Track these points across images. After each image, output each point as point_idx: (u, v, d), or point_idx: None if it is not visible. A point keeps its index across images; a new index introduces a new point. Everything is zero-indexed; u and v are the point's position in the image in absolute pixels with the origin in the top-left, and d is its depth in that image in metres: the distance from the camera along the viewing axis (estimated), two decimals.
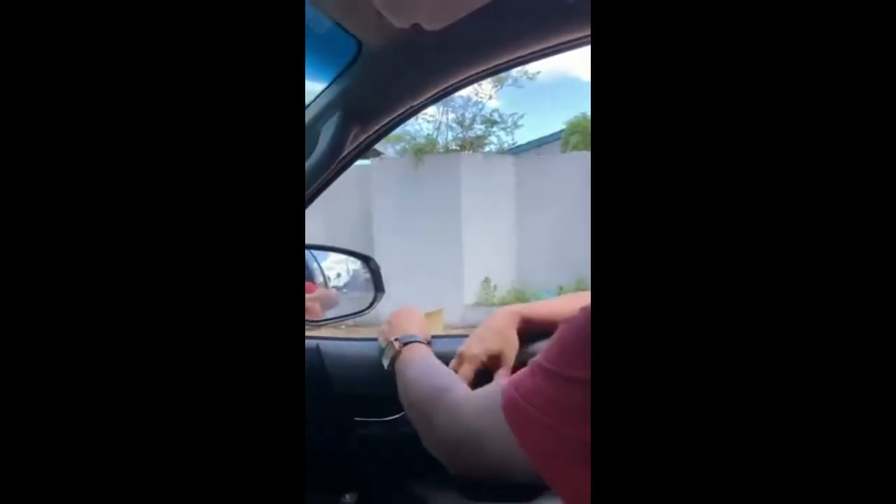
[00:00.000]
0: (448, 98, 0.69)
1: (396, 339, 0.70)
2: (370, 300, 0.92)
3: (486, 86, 6.82)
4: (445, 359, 0.68)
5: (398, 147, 6.61)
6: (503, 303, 5.70)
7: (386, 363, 0.69)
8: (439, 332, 0.80)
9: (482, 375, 0.67)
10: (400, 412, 0.78)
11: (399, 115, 0.71)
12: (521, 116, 7.32)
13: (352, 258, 0.99)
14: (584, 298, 0.54)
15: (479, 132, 7.15)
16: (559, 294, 5.44)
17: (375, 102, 0.69)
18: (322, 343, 0.85)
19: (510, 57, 0.64)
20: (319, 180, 0.70)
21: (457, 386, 0.57)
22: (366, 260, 0.96)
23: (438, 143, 6.86)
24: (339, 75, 0.66)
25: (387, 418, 0.79)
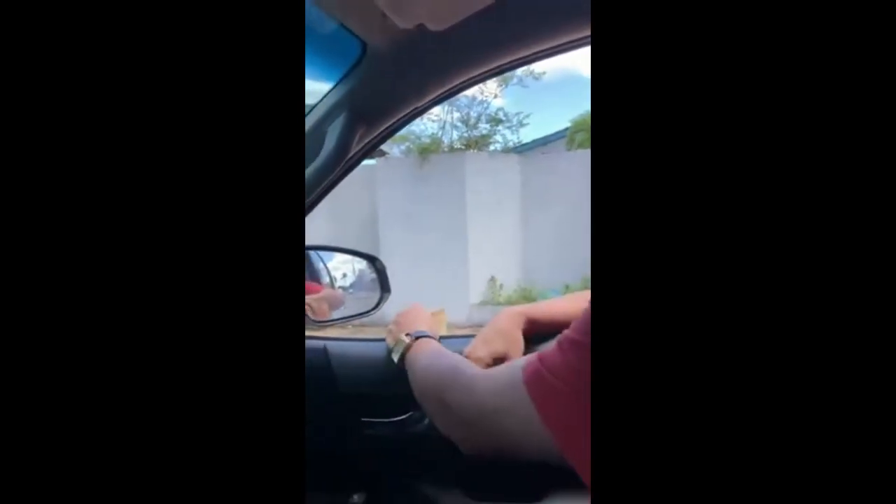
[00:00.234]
0: (453, 97, 0.70)
1: (407, 334, 0.70)
2: (376, 300, 0.93)
3: (491, 85, 6.81)
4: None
5: (403, 147, 6.61)
6: (509, 302, 5.70)
7: (396, 357, 0.69)
8: (443, 331, 0.80)
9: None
10: (407, 413, 0.79)
11: (404, 116, 0.71)
12: (527, 116, 7.31)
13: (357, 258, 1.00)
14: (589, 297, 0.54)
15: (484, 131, 7.15)
16: (565, 293, 5.43)
17: (381, 103, 0.69)
18: (329, 343, 0.85)
19: (515, 57, 0.64)
20: (326, 181, 0.70)
21: (471, 367, 0.56)
22: (372, 260, 0.96)
23: (443, 142, 6.86)
24: (345, 76, 0.67)
25: (394, 419, 0.80)
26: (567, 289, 5.47)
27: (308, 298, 0.88)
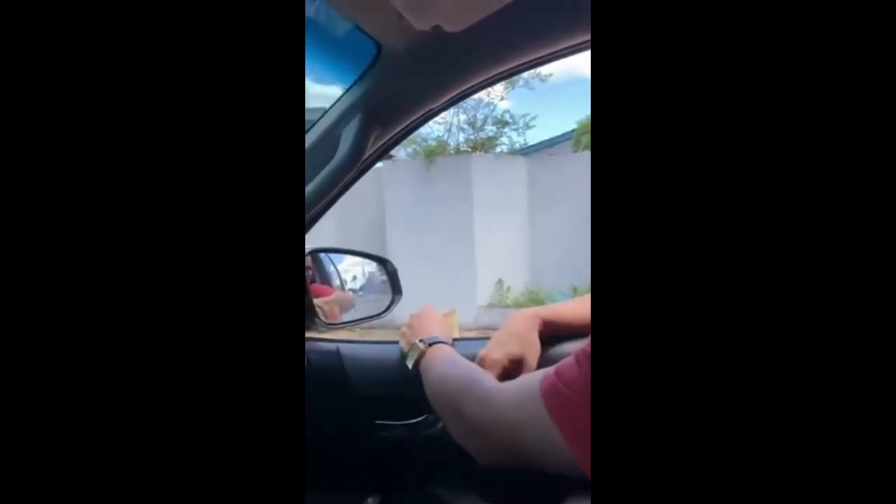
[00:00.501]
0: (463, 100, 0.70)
1: (421, 340, 0.69)
2: (387, 303, 0.92)
3: (498, 87, 6.81)
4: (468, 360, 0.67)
5: (409, 149, 6.63)
6: (517, 304, 5.68)
7: (410, 364, 0.69)
8: (455, 333, 0.80)
9: (505, 380, 0.66)
10: (421, 415, 0.78)
11: (419, 118, 0.71)
12: (534, 118, 7.30)
13: (368, 261, 0.99)
14: None
15: (490, 133, 7.15)
16: (573, 294, 5.42)
17: (396, 105, 0.69)
18: (342, 346, 0.85)
19: (531, 57, 0.64)
20: (342, 183, 0.70)
21: (487, 377, 0.57)
22: (382, 262, 0.96)
23: (449, 144, 6.87)
24: (360, 78, 0.67)
25: (408, 421, 0.79)
26: (575, 291, 5.46)
27: (319, 301, 0.88)
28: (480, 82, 0.68)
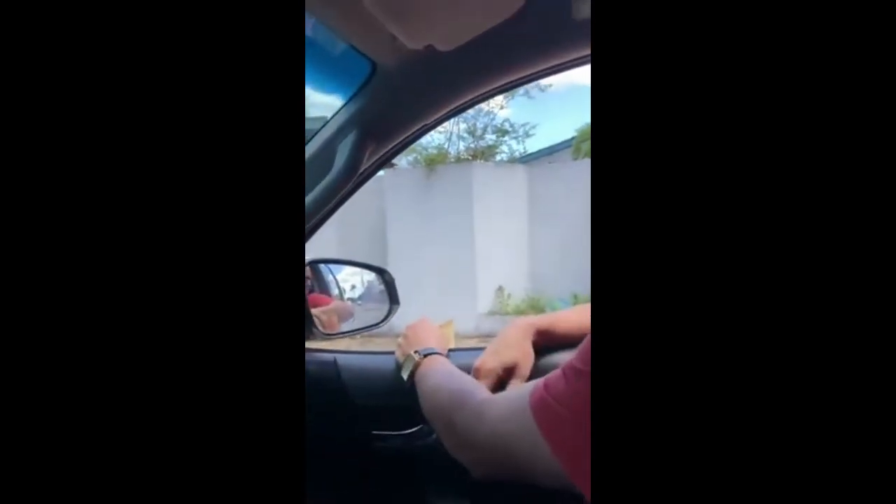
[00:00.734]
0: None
1: (416, 352, 0.70)
2: (385, 312, 0.93)
3: (498, 97, 6.83)
4: (463, 371, 0.68)
5: (410, 158, 6.65)
6: (517, 311, 5.67)
7: (405, 375, 0.70)
8: (451, 344, 0.81)
9: (499, 389, 0.67)
10: (417, 425, 0.79)
11: (413, 133, 0.72)
12: (533, 127, 7.33)
13: (366, 271, 1.00)
14: None
15: (490, 142, 7.17)
16: (574, 301, 5.40)
17: (390, 120, 0.70)
18: (339, 356, 0.85)
19: (521, 75, 0.65)
20: (337, 196, 0.71)
21: (480, 390, 0.57)
22: (380, 272, 0.97)
23: (450, 153, 6.89)
24: (355, 95, 0.68)
25: (404, 432, 0.80)
26: (575, 298, 5.45)
27: (317, 311, 0.89)
28: (474, 98, 0.69)
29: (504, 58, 0.63)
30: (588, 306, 0.81)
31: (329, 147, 0.70)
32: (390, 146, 0.73)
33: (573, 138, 7.87)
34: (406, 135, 0.72)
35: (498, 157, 7.19)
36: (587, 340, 0.44)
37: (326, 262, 0.97)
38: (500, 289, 6.05)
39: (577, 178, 5.91)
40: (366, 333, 0.97)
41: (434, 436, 0.77)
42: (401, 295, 0.94)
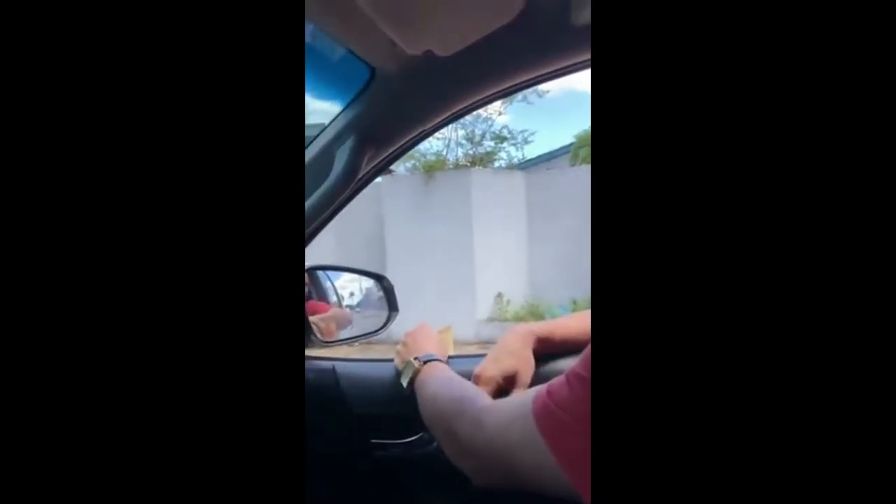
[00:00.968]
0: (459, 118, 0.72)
1: (416, 358, 0.70)
2: (384, 319, 0.93)
3: (496, 103, 6.87)
4: (463, 378, 0.67)
5: (409, 164, 6.67)
6: (516, 317, 5.67)
7: (405, 382, 0.69)
8: (450, 350, 0.80)
9: (499, 397, 0.66)
10: (417, 434, 0.78)
11: (412, 138, 0.72)
12: (532, 134, 7.37)
13: (365, 277, 1.00)
14: None
15: (488, 148, 7.20)
16: (573, 308, 5.40)
17: (389, 126, 0.70)
18: (338, 364, 0.85)
19: (520, 80, 0.65)
20: (336, 203, 0.71)
21: (480, 397, 0.56)
22: (379, 279, 0.97)
23: (448, 159, 6.91)
24: (353, 100, 0.68)
25: (404, 440, 0.79)
26: (575, 304, 5.44)
27: (315, 318, 0.88)
28: (472, 103, 0.69)
29: (503, 63, 0.63)
30: (587, 312, 0.81)
31: (327, 153, 0.70)
32: (388, 152, 0.73)
33: (571, 144, 7.91)
34: (404, 141, 0.72)
35: (496, 164, 7.21)
36: (590, 347, 0.43)
37: (325, 268, 0.96)
38: (499, 295, 6.05)
39: (576, 185, 5.94)
40: (365, 341, 0.96)
41: (434, 444, 0.77)
42: (399, 301, 0.93)
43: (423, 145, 6.70)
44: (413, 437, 0.78)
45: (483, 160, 7.07)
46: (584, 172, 6.31)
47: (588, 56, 0.61)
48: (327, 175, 0.69)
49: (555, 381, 0.46)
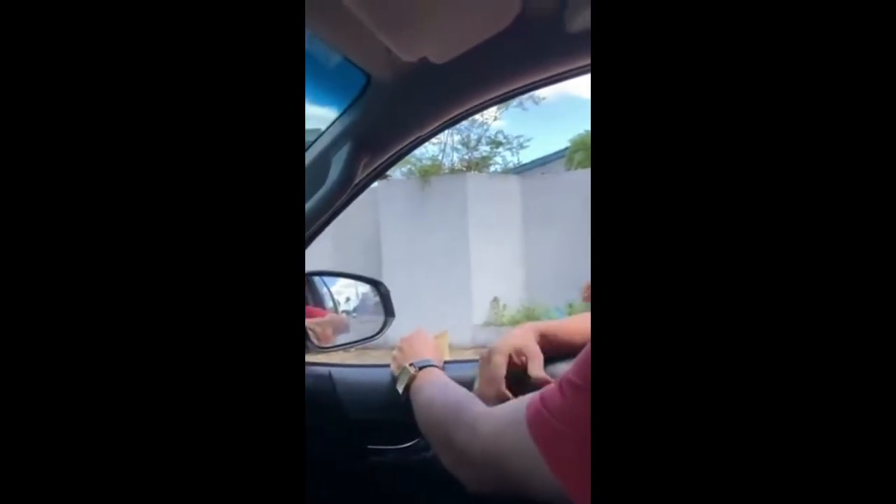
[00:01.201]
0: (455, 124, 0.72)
1: (411, 364, 0.69)
2: (380, 325, 0.93)
3: (491, 108, 6.88)
4: (459, 384, 0.67)
5: (404, 169, 6.67)
6: (513, 322, 5.66)
7: (401, 388, 0.69)
8: (446, 355, 0.80)
9: (513, 371, 0.65)
10: (413, 439, 0.78)
11: (408, 144, 0.72)
12: (528, 140, 7.40)
13: (361, 283, 1.00)
14: None
15: (484, 153, 7.21)
16: (570, 311, 5.40)
17: (384, 132, 0.70)
18: (334, 370, 0.85)
19: (515, 86, 0.66)
20: (332, 208, 0.71)
21: (475, 404, 0.56)
22: (375, 284, 0.97)
23: (444, 164, 6.92)
24: (349, 107, 0.68)
25: (400, 446, 0.79)
26: (571, 307, 5.45)
27: (311, 323, 0.88)
28: (468, 109, 0.69)
29: (498, 69, 0.64)
30: (585, 315, 0.81)
31: (324, 159, 0.70)
32: (384, 158, 0.73)
33: (566, 149, 7.94)
34: (400, 146, 0.72)
35: (492, 169, 7.23)
36: (583, 354, 0.43)
37: (321, 274, 0.96)
38: (496, 299, 6.05)
39: (571, 189, 5.96)
40: (361, 346, 0.96)
41: (429, 450, 0.77)
42: (396, 307, 0.93)
43: (419, 150, 6.69)
44: (409, 443, 0.78)
45: (478, 165, 7.08)
46: (579, 176, 6.34)
47: (583, 62, 0.62)
48: (324, 181, 0.69)
49: (547, 388, 0.46)
